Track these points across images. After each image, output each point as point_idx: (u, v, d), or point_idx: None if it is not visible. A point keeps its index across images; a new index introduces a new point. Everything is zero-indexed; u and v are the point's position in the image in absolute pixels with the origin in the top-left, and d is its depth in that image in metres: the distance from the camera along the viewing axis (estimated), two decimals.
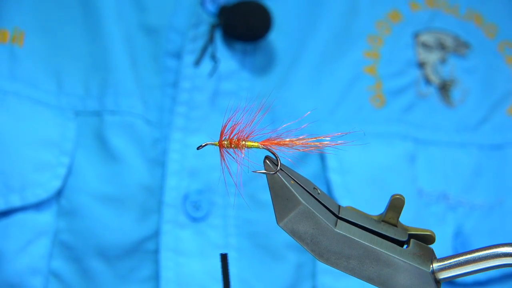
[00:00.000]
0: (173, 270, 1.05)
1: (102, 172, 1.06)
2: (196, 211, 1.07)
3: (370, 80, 1.13)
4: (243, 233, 1.07)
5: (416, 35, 1.17)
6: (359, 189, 1.08)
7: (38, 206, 1.05)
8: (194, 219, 1.07)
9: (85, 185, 1.06)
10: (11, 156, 1.04)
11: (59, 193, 1.06)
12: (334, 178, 1.08)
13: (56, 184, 1.05)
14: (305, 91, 1.11)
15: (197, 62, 1.08)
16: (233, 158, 0.69)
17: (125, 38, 1.10)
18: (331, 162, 1.08)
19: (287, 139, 0.69)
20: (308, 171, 1.08)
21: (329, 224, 0.68)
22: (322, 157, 1.08)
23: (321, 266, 1.06)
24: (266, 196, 1.07)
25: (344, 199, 1.07)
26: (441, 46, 1.16)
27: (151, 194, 1.07)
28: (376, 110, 1.12)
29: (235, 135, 0.68)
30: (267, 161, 0.68)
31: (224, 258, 0.72)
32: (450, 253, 1.08)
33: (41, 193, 1.05)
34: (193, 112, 1.09)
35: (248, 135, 0.69)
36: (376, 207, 1.05)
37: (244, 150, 0.69)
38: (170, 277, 1.05)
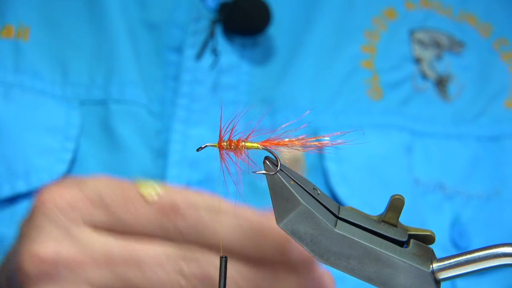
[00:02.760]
0: None
1: (106, 160, 1.06)
2: None
3: (367, 73, 1.14)
4: None
5: (411, 32, 1.17)
6: (355, 177, 1.08)
7: None
8: None
9: (90, 172, 1.06)
10: (14, 142, 1.04)
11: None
12: (331, 166, 1.08)
13: (61, 169, 1.05)
14: (304, 84, 1.12)
15: (199, 56, 1.09)
16: (232, 159, 0.69)
17: (128, 32, 1.11)
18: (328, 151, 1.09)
19: (287, 140, 0.69)
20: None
21: (329, 224, 0.68)
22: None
23: None
24: (265, 183, 1.08)
25: (340, 187, 1.08)
26: (437, 44, 1.17)
27: None
28: (373, 102, 1.13)
29: (234, 136, 0.68)
30: (267, 162, 0.68)
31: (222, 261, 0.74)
32: (447, 242, 1.08)
33: (46, 177, 1.04)
34: (194, 104, 1.10)
35: (248, 136, 0.69)
36: (371, 195, 1.07)
37: (244, 151, 0.68)
38: None
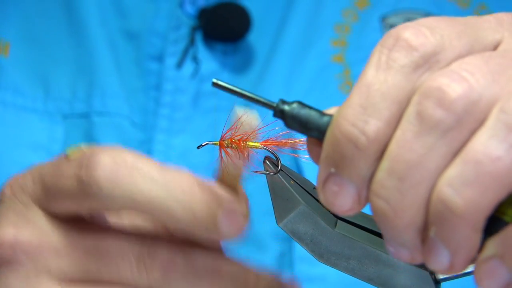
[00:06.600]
0: None
1: None
2: None
3: (338, 68, 1.14)
4: None
5: (383, 18, 1.16)
6: None
7: None
8: None
9: None
10: None
11: None
12: (306, 166, 1.08)
13: None
14: (279, 85, 1.12)
15: (179, 64, 1.09)
16: (231, 158, 0.68)
17: (108, 44, 1.10)
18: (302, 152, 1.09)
19: (288, 140, 0.68)
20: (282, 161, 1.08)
21: (328, 225, 0.68)
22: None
23: (298, 254, 1.06)
24: (249, 187, 1.07)
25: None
26: None
27: None
28: (346, 97, 1.12)
29: (236, 135, 0.68)
30: (267, 162, 0.68)
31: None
32: None
33: None
34: (176, 113, 1.10)
35: (249, 136, 0.68)
36: None
37: (245, 150, 0.68)
38: None
